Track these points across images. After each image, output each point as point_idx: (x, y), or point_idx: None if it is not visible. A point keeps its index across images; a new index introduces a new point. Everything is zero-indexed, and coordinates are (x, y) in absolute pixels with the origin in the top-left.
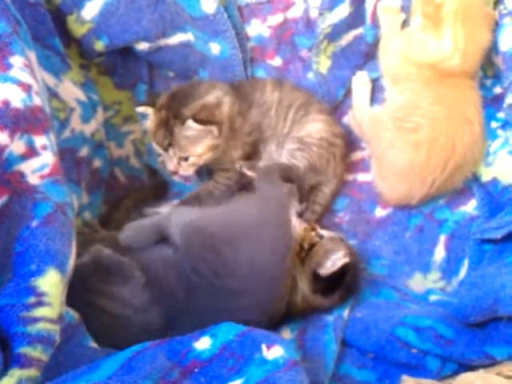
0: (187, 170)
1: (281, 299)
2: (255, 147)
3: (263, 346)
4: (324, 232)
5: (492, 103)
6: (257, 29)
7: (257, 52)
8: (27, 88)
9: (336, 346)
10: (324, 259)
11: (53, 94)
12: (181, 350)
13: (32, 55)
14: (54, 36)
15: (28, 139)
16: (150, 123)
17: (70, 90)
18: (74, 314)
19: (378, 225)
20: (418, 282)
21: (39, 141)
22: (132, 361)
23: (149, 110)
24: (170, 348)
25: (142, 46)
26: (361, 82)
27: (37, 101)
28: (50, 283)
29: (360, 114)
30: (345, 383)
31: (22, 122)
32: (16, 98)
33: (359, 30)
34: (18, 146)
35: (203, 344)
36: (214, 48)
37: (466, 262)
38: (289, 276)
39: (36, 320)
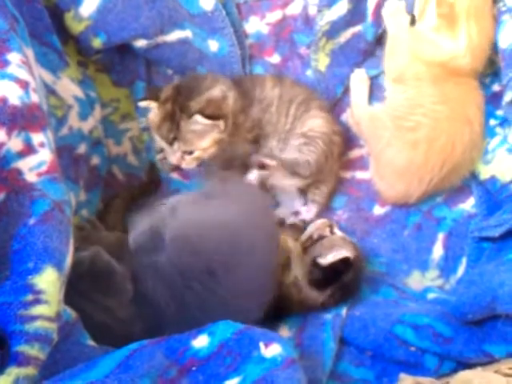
0: (190, 163)
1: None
2: (255, 144)
3: (261, 344)
4: (338, 232)
5: (490, 101)
6: (255, 26)
7: (255, 49)
8: (25, 85)
9: (334, 343)
10: (327, 251)
11: (50, 91)
12: (178, 348)
13: (29, 52)
14: (52, 33)
15: (25, 136)
16: (153, 117)
17: (68, 87)
18: (71, 313)
19: (377, 223)
20: (416, 280)
21: (37, 138)
22: (129, 359)
23: (152, 104)
24: (168, 346)
25: (140, 43)
26: (359, 79)
27: (34, 98)
28: (48, 281)
29: (358, 111)
30: (343, 381)
31: (20, 119)
32: (13, 95)
33: (358, 28)
34: (15, 144)
35: (201, 342)
36: (213, 45)
37: (464, 260)
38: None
39: (33, 318)
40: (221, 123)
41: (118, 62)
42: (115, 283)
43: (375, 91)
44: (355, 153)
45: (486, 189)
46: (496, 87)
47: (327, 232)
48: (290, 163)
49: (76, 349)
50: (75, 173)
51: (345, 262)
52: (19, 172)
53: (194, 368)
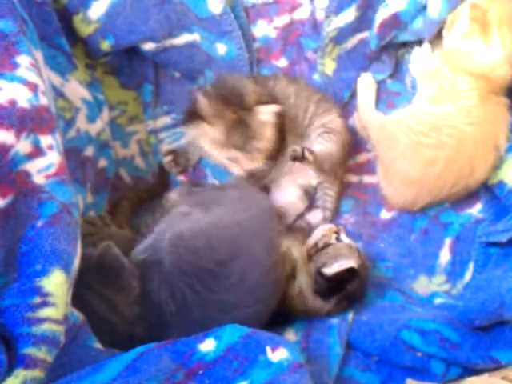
0: (261, 160)
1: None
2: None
3: (268, 348)
4: (345, 238)
5: None
6: (263, 30)
7: (263, 53)
8: (34, 87)
9: (340, 348)
10: (332, 260)
11: (59, 94)
12: (185, 352)
13: (38, 55)
14: (61, 35)
15: (34, 139)
16: (214, 135)
17: (76, 90)
18: (78, 315)
19: (383, 227)
20: (422, 285)
21: (45, 140)
22: (136, 362)
23: (203, 125)
24: (175, 349)
25: (148, 47)
26: (366, 83)
27: (43, 100)
28: (55, 283)
29: (365, 115)
30: None
31: (29, 121)
32: (22, 98)
33: (365, 34)
34: (23, 146)
35: (208, 346)
36: (221, 48)
37: (471, 265)
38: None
39: (41, 320)
40: (278, 107)
41: (126, 65)
42: (123, 278)
43: (382, 95)
44: (362, 157)
45: (493, 194)
46: None
47: (333, 240)
48: (323, 156)
49: (83, 351)
50: (83, 175)
51: (350, 271)
52: (27, 174)
53: (200, 372)
